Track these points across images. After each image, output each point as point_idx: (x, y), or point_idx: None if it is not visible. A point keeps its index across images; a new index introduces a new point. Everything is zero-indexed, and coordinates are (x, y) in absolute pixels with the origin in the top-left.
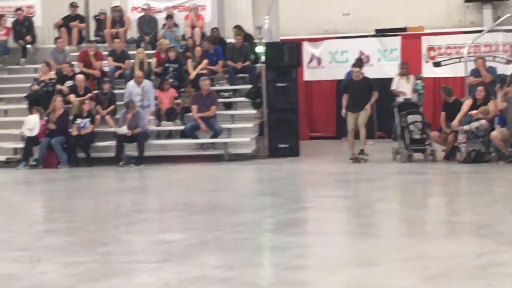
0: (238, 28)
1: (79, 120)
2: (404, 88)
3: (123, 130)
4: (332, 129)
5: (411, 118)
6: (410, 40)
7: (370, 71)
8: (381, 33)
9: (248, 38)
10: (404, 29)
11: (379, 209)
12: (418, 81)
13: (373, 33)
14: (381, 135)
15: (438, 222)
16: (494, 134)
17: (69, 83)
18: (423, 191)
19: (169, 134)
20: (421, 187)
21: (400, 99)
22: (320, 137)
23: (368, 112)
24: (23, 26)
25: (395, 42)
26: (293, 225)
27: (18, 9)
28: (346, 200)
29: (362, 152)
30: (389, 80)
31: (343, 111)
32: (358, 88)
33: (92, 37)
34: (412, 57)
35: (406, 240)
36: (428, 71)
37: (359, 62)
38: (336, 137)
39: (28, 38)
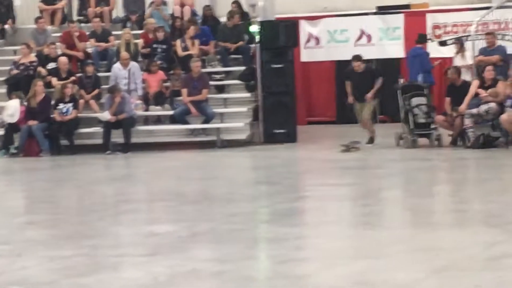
0: (236, 3)
1: (61, 105)
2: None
3: (106, 115)
4: (332, 113)
5: (415, 101)
6: (414, 18)
7: (372, 51)
8: (383, 10)
9: (245, 17)
10: (407, 6)
11: (382, 197)
12: None
13: (374, 10)
14: (384, 118)
15: (445, 211)
16: (504, 117)
17: (51, 65)
18: (429, 178)
19: (158, 120)
20: (427, 174)
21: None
22: (318, 121)
23: (372, 104)
24: (2, 5)
25: (398, 20)
26: (291, 216)
27: None
28: (346, 188)
29: (371, 140)
30: (392, 61)
31: (350, 98)
32: (360, 79)
33: (75, 17)
34: (416, 35)
35: (411, 230)
36: (434, 50)
37: (359, 57)
38: (336, 122)
39: (9, 21)
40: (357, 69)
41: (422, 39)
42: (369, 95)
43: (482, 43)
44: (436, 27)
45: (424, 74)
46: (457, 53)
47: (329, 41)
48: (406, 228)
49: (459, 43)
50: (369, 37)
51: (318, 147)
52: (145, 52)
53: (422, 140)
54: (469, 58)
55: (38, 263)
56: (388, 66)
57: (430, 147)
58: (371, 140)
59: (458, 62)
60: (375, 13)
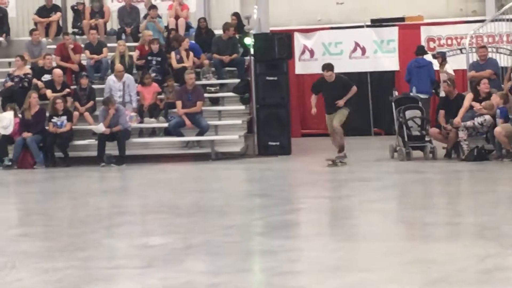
0: (236, 15)
1: (55, 118)
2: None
3: (100, 128)
4: (326, 125)
5: (409, 113)
6: (409, 31)
7: (366, 64)
8: (378, 23)
9: (241, 29)
10: (402, 19)
11: (376, 210)
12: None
13: (369, 23)
14: (378, 131)
15: (439, 223)
16: (497, 129)
17: (46, 77)
18: (422, 191)
19: (152, 132)
20: (421, 186)
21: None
22: (313, 134)
23: (342, 113)
24: None
25: (393, 32)
26: (285, 228)
27: None
28: (340, 201)
29: (340, 154)
30: (386, 73)
31: (313, 109)
32: (331, 89)
33: (70, 29)
34: (410, 48)
35: (404, 243)
36: None
37: (330, 66)
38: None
39: (3, 34)
40: (328, 78)
41: (422, 51)
42: (341, 101)
43: (475, 56)
44: (430, 39)
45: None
46: (440, 66)
47: (323, 53)
48: (400, 240)
49: (441, 57)
50: (363, 50)
51: (313, 159)
52: (140, 64)
53: (416, 153)
54: (449, 70)
55: (32, 275)
56: (382, 79)
57: (424, 160)
58: (340, 155)
59: (442, 76)
60: (369, 26)
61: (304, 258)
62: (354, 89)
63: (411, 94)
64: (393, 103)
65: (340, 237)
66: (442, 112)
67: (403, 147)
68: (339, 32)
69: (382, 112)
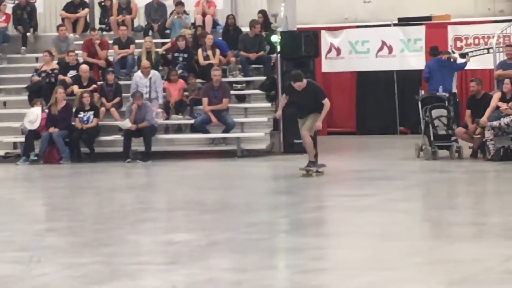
0: (262, 13)
1: (82, 113)
2: None
3: (127, 124)
4: (352, 124)
5: (435, 112)
6: (436, 30)
7: (393, 63)
8: (405, 22)
9: (268, 27)
10: (429, 18)
11: (401, 209)
12: None
13: (396, 22)
14: (404, 130)
15: (464, 223)
16: None
17: (72, 73)
18: (448, 190)
19: (178, 128)
20: (446, 186)
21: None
22: (338, 132)
23: (315, 117)
24: (25, 11)
25: (420, 31)
26: (309, 226)
27: None
28: (366, 199)
29: (312, 163)
30: (413, 72)
31: (279, 112)
32: (302, 97)
33: (97, 25)
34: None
35: (429, 242)
36: None
37: (299, 76)
38: (356, 133)
39: (31, 29)
40: (297, 88)
41: (435, 51)
42: (318, 123)
43: (502, 56)
44: (457, 39)
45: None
46: None
47: (350, 52)
48: (424, 239)
49: (450, 57)
50: (390, 49)
51: (338, 157)
52: (170, 58)
53: (442, 152)
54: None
55: (57, 270)
56: (409, 78)
57: (450, 159)
58: (311, 164)
59: None
60: (396, 25)
61: (329, 256)
62: (327, 104)
63: (437, 93)
64: (419, 102)
65: (364, 236)
66: (468, 111)
67: (429, 146)
68: (366, 31)
69: (408, 111)
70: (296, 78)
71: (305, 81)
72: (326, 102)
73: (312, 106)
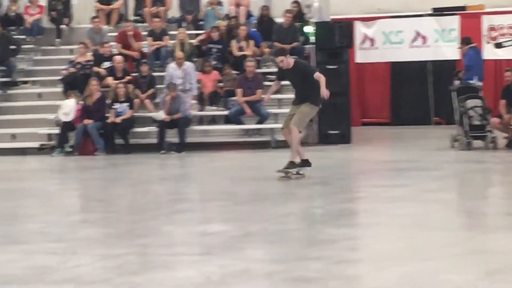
0: (296, 3)
1: (116, 105)
2: None
3: (161, 115)
4: (386, 114)
5: (470, 103)
6: (470, 20)
7: (427, 53)
8: (439, 12)
9: (302, 17)
10: (463, 8)
11: (435, 199)
12: None
13: (430, 12)
14: (438, 120)
15: (498, 213)
16: None
17: (106, 64)
18: (482, 180)
19: (212, 120)
20: (481, 176)
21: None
22: (373, 123)
23: (306, 108)
24: (60, 2)
25: (454, 21)
26: (344, 216)
27: None
28: (400, 189)
29: (291, 164)
30: (448, 62)
31: (267, 96)
32: (290, 77)
33: (131, 16)
34: (472, 37)
35: (463, 233)
36: (490, 52)
37: (280, 52)
38: (391, 124)
39: (66, 20)
40: (283, 66)
41: (469, 41)
42: (325, 91)
43: None
44: (492, 29)
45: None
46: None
47: (384, 42)
48: (459, 230)
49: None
50: (424, 39)
51: (373, 148)
52: (204, 50)
53: (477, 142)
54: None
55: (91, 261)
56: (443, 68)
57: (484, 150)
58: (291, 165)
59: None
60: (430, 15)
61: (363, 246)
62: (320, 76)
63: (471, 82)
64: (453, 92)
65: (398, 226)
66: (503, 101)
67: (464, 137)
68: (399, 21)
69: (442, 101)
70: (276, 53)
71: (291, 60)
72: (318, 75)
73: (303, 90)
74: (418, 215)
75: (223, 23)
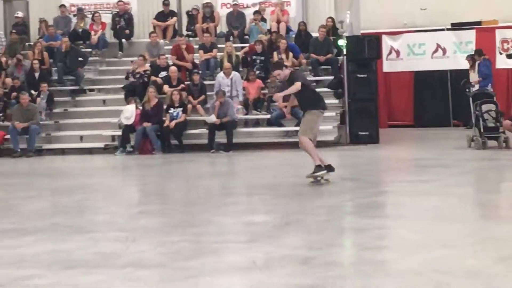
0: (331, 18)
1: (172, 110)
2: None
3: (212, 118)
4: (410, 117)
5: (485, 107)
6: (485, 33)
7: (446, 63)
8: (457, 26)
9: (335, 32)
10: (478, 23)
11: (455, 193)
12: None
13: (449, 26)
14: (456, 123)
15: (511, 205)
16: None
17: (163, 74)
18: (497, 176)
19: (256, 122)
20: (495, 172)
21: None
22: (398, 125)
23: (307, 117)
24: (122, 19)
25: (470, 35)
26: (373, 208)
27: (120, 1)
28: (423, 184)
29: (318, 168)
30: (464, 71)
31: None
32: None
33: (184, 32)
34: (486, 49)
35: (480, 223)
36: (502, 62)
37: (276, 65)
38: (414, 125)
39: (127, 31)
40: (279, 78)
41: (481, 53)
42: (280, 94)
43: None
44: (504, 41)
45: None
46: (470, 67)
47: (408, 53)
48: (476, 220)
49: (470, 59)
50: (444, 50)
51: (398, 147)
52: (248, 61)
53: (491, 142)
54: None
55: (150, 248)
56: (461, 76)
57: (498, 149)
58: (318, 169)
59: (472, 77)
60: (449, 29)
61: (390, 235)
62: (297, 85)
63: (487, 89)
64: (470, 98)
65: (422, 217)
66: None
67: (480, 137)
68: (422, 35)
69: (460, 105)
70: (273, 67)
71: (287, 71)
72: (297, 85)
73: (302, 98)
74: (439, 207)
75: (264, 37)
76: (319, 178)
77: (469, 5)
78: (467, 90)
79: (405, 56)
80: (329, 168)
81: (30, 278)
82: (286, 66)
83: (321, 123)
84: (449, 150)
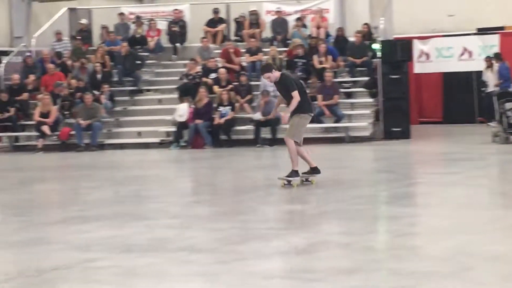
0: (367, 25)
1: (221, 108)
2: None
3: (258, 116)
4: (439, 114)
5: (508, 105)
6: (508, 38)
7: (472, 65)
8: (482, 31)
9: (370, 36)
10: (502, 28)
11: (481, 184)
12: None
13: (475, 31)
14: (482, 120)
15: None
16: None
17: (213, 75)
18: None
19: None
20: None
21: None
22: (428, 121)
23: (294, 120)
24: (177, 25)
25: (494, 39)
26: (405, 198)
27: (176, 9)
28: (451, 176)
29: (293, 173)
30: None
31: (272, 113)
32: (279, 90)
33: (233, 37)
34: (509, 52)
35: (503, 211)
36: None
37: (266, 68)
38: (443, 122)
39: (181, 37)
40: (269, 80)
41: (500, 57)
42: (284, 116)
43: None
44: None
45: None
46: (487, 68)
47: (437, 56)
48: (499, 209)
49: (489, 60)
50: (470, 53)
51: (428, 142)
52: (291, 63)
53: None
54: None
55: (202, 234)
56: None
57: None
58: (293, 173)
59: (488, 76)
60: (475, 34)
61: (421, 223)
62: (295, 97)
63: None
64: (494, 97)
65: (450, 206)
66: None
67: (503, 133)
68: (450, 39)
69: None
70: (262, 70)
71: (278, 73)
72: (295, 95)
73: (290, 101)
74: (466, 197)
75: (298, 41)
76: (292, 182)
77: (493, 11)
78: (483, 89)
79: (434, 59)
80: (315, 171)
81: (94, 261)
82: (275, 69)
83: (357, 120)
84: (475, 144)
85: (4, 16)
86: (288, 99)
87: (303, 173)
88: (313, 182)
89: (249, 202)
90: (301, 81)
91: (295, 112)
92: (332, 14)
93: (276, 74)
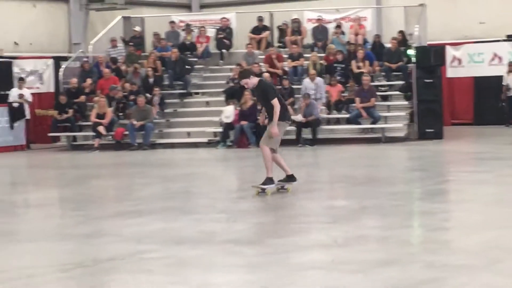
0: (401, 32)
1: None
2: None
3: (299, 117)
4: (470, 116)
5: None
6: None
7: (502, 70)
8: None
9: (405, 43)
10: None
11: (510, 182)
12: None
13: (504, 38)
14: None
15: None
16: None
17: None
18: None
19: (337, 121)
20: None
21: None
22: (460, 123)
23: (271, 132)
24: (225, 32)
25: None
26: (438, 195)
27: (224, 18)
28: (482, 174)
29: (268, 181)
30: None
31: (261, 119)
32: (257, 96)
33: (276, 43)
34: None
35: None
36: None
37: (243, 74)
38: (474, 124)
39: (228, 43)
40: (247, 87)
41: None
42: (272, 130)
43: None
44: None
45: None
46: (509, 72)
47: (469, 61)
48: None
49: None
50: (500, 59)
51: (460, 142)
52: (330, 68)
53: None
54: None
55: (248, 227)
56: None
57: None
58: (268, 181)
59: (510, 80)
60: (505, 40)
61: (453, 218)
62: (276, 105)
63: None
64: None
65: (481, 203)
66: None
67: None
68: (481, 45)
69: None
70: (240, 76)
71: (256, 80)
72: (274, 103)
73: (268, 108)
74: (496, 194)
75: (333, 47)
76: (266, 190)
77: None
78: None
79: (466, 64)
80: (291, 178)
81: (146, 252)
82: (254, 74)
83: (393, 121)
84: (505, 145)
85: (64, 24)
86: (266, 106)
87: (279, 181)
88: (288, 190)
89: (291, 198)
90: (276, 88)
91: (271, 119)
92: (369, 21)
93: (253, 80)
